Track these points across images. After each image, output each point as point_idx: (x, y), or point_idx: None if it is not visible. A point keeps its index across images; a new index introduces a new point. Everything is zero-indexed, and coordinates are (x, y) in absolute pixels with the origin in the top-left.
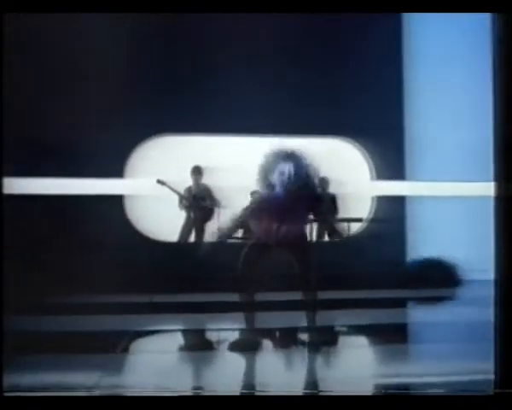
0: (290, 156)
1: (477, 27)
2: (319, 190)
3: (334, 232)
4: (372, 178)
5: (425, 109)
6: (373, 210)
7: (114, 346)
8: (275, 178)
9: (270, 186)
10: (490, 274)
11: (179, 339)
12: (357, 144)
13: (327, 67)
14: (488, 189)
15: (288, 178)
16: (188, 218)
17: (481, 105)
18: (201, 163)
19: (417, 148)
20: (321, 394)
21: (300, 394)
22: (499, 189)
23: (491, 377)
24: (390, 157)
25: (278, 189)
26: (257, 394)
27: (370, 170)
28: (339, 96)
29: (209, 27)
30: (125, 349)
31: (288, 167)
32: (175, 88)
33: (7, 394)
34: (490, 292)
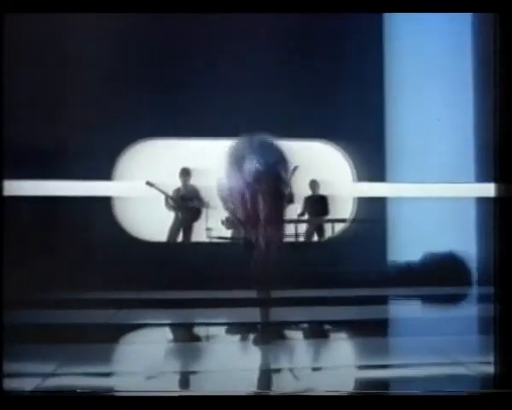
0: (261, 147)
1: (457, 29)
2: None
3: (322, 232)
4: (354, 180)
5: (405, 112)
6: (355, 211)
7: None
8: (245, 168)
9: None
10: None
11: (163, 331)
12: (338, 147)
13: (310, 71)
14: (470, 190)
15: (259, 167)
16: (176, 218)
17: (461, 106)
18: (189, 165)
19: (398, 150)
20: (319, 394)
21: (299, 394)
22: (500, 190)
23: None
24: (371, 159)
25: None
26: (257, 394)
27: (352, 172)
28: (321, 99)
29: (196, 31)
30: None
31: (258, 157)
32: (164, 92)
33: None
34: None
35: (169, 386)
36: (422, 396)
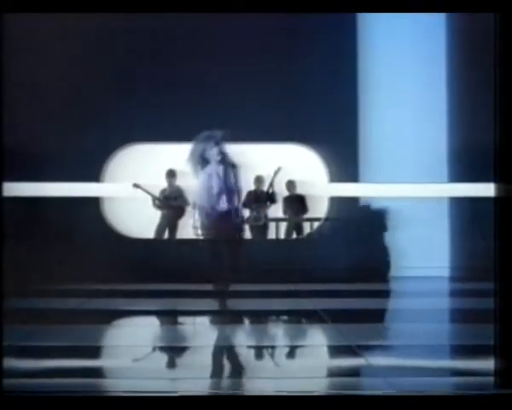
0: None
1: (432, 30)
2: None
3: (300, 230)
4: (329, 181)
5: (378, 114)
6: (329, 209)
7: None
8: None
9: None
10: (445, 271)
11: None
12: (313, 149)
13: (286, 74)
14: (443, 190)
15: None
16: (162, 217)
17: (436, 107)
18: (175, 167)
19: (371, 151)
20: (319, 394)
21: (300, 394)
22: (499, 190)
23: None
24: (345, 161)
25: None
26: (257, 394)
27: (327, 173)
28: (295, 103)
29: (182, 37)
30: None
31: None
32: (151, 100)
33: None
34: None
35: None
36: (422, 396)
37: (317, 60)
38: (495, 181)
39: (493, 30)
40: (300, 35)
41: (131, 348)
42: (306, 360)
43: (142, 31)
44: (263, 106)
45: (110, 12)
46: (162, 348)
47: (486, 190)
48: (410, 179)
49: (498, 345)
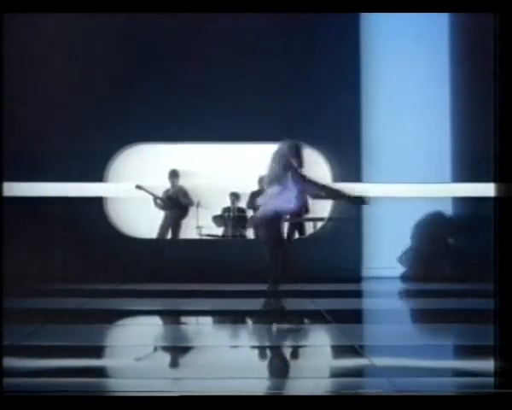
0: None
1: (434, 30)
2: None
3: (303, 230)
4: (333, 181)
5: (382, 115)
6: (333, 210)
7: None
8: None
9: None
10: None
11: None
12: (316, 149)
13: (290, 76)
14: (445, 190)
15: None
16: (166, 216)
17: (438, 107)
18: (178, 167)
19: (374, 151)
20: (321, 394)
21: (301, 394)
22: (500, 190)
23: None
24: (348, 161)
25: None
26: (257, 394)
27: (330, 173)
28: (299, 104)
29: (183, 39)
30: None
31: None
32: (153, 100)
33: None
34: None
35: None
36: (422, 396)
37: (321, 60)
38: (495, 181)
39: (493, 30)
40: (303, 34)
41: (135, 348)
42: None
43: (144, 30)
44: (264, 106)
45: (110, 12)
46: (165, 348)
47: (487, 190)
48: (412, 179)
49: (498, 345)
